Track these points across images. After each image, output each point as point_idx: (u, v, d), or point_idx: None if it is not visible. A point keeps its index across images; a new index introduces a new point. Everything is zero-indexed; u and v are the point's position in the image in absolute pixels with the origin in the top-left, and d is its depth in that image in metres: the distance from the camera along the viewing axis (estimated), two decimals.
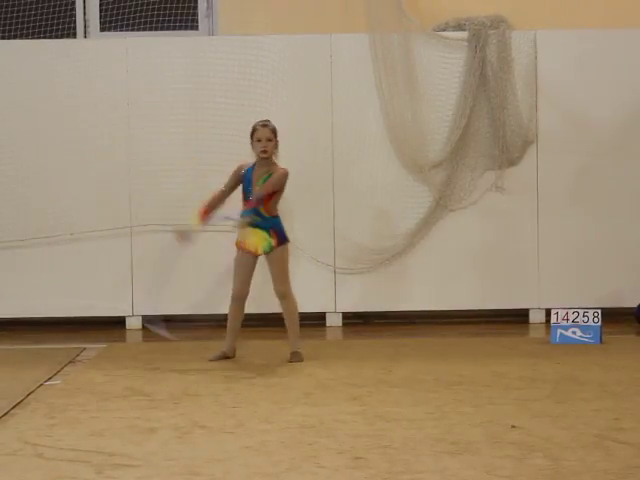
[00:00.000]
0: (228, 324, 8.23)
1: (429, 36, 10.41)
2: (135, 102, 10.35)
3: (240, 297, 8.11)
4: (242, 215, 7.96)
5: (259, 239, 8.01)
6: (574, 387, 6.92)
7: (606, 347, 8.74)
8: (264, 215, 8.01)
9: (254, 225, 7.99)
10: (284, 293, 8.09)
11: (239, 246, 8.10)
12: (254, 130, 8.05)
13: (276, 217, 8.08)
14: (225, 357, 8.22)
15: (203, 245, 10.05)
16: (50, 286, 10.32)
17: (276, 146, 8.05)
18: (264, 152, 7.99)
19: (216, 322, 10.05)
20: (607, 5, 10.99)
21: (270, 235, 8.01)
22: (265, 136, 7.99)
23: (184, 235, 8.28)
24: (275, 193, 8.03)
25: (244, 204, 8.06)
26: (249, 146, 8.13)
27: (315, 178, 10.36)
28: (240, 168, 8.13)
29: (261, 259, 8.14)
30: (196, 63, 10.36)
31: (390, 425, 5.79)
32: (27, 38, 10.91)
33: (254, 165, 8.09)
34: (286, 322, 8.18)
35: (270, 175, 8.01)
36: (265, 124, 8.05)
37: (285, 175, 8.02)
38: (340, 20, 10.89)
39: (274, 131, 8.05)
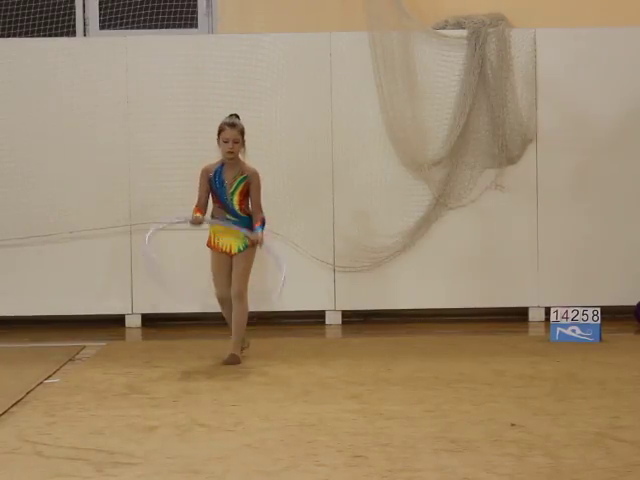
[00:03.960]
0: (229, 325, 8.08)
1: (429, 34, 10.41)
2: (134, 100, 10.35)
3: (225, 299, 7.97)
4: (257, 231, 7.77)
5: (234, 238, 7.89)
6: (573, 385, 6.91)
7: (606, 345, 8.73)
8: (240, 215, 7.90)
9: (228, 224, 7.86)
10: (241, 294, 7.88)
11: (212, 247, 7.98)
12: (221, 130, 7.86)
13: (249, 216, 7.93)
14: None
15: (202, 243, 10.05)
16: (50, 284, 10.32)
17: (243, 145, 7.89)
18: (230, 153, 7.85)
19: (215, 320, 10.04)
20: (606, 3, 10.98)
21: (245, 234, 7.86)
22: (232, 137, 7.82)
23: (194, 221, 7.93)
24: (249, 192, 7.90)
25: (215, 205, 7.93)
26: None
27: (314, 176, 10.36)
28: (207, 171, 7.94)
29: None
30: (196, 61, 10.36)
31: (389, 423, 5.78)
32: (26, 36, 10.89)
33: (222, 165, 7.94)
34: (233, 324, 7.93)
35: (245, 177, 7.86)
36: (233, 124, 7.86)
37: (259, 177, 7.92)
38: (339, 18, 10.87)
39: (242, 132, 7.87)
